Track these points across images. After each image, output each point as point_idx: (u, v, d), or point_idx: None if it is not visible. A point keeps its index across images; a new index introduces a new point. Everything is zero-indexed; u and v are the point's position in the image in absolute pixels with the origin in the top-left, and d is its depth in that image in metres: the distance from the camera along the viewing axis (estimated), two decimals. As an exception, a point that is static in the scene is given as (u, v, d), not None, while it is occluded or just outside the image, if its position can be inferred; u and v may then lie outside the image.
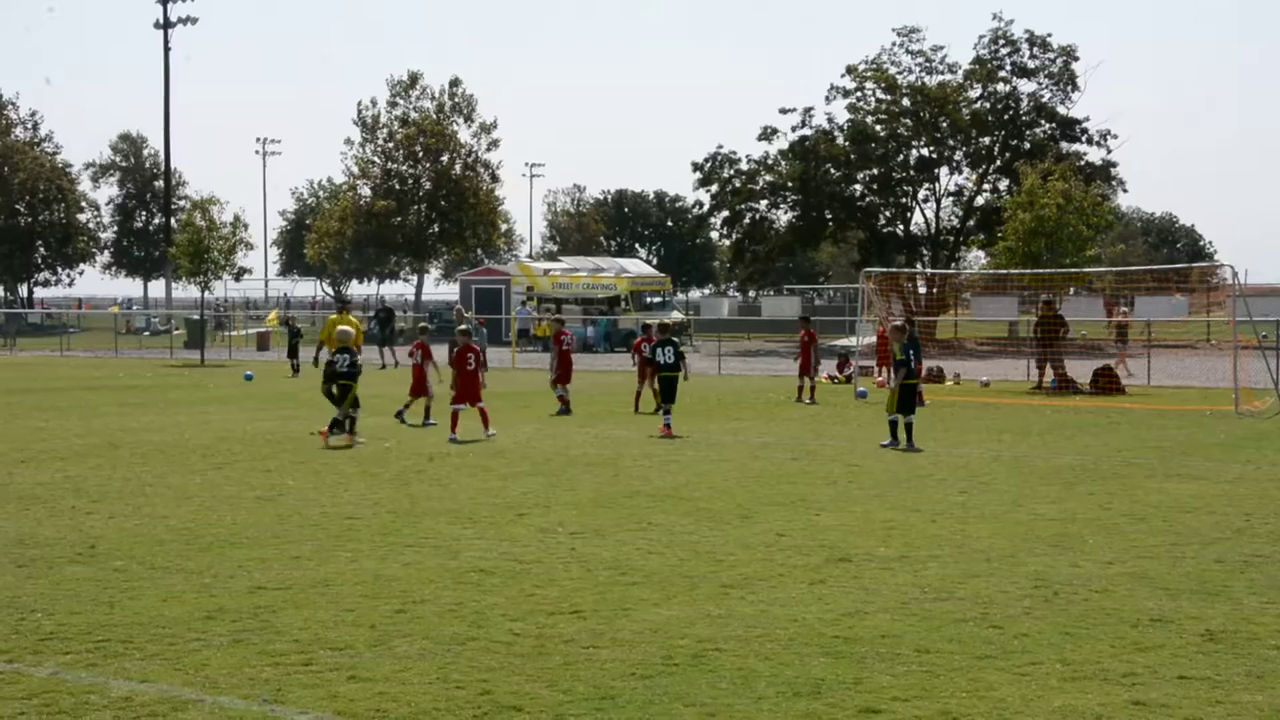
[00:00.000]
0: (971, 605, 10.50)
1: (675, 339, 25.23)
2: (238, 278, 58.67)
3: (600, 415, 27.15)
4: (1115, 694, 8.25)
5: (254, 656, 9.02)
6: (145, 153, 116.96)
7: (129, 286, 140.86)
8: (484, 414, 23.09)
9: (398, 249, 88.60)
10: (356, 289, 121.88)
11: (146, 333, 79.57)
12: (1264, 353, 32.94)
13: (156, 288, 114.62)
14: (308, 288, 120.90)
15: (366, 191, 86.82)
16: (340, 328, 24.25)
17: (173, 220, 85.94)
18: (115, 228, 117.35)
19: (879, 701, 8.08)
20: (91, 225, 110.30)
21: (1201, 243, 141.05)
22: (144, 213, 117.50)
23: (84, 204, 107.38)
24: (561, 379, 27.85)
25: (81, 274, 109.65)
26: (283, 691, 8.26)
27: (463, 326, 25.55)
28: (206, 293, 57.26)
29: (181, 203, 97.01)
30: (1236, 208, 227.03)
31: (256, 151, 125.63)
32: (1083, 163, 65.21)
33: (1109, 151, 68.86)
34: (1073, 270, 41.97)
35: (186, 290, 79.15)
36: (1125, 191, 75.10)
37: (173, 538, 13.30)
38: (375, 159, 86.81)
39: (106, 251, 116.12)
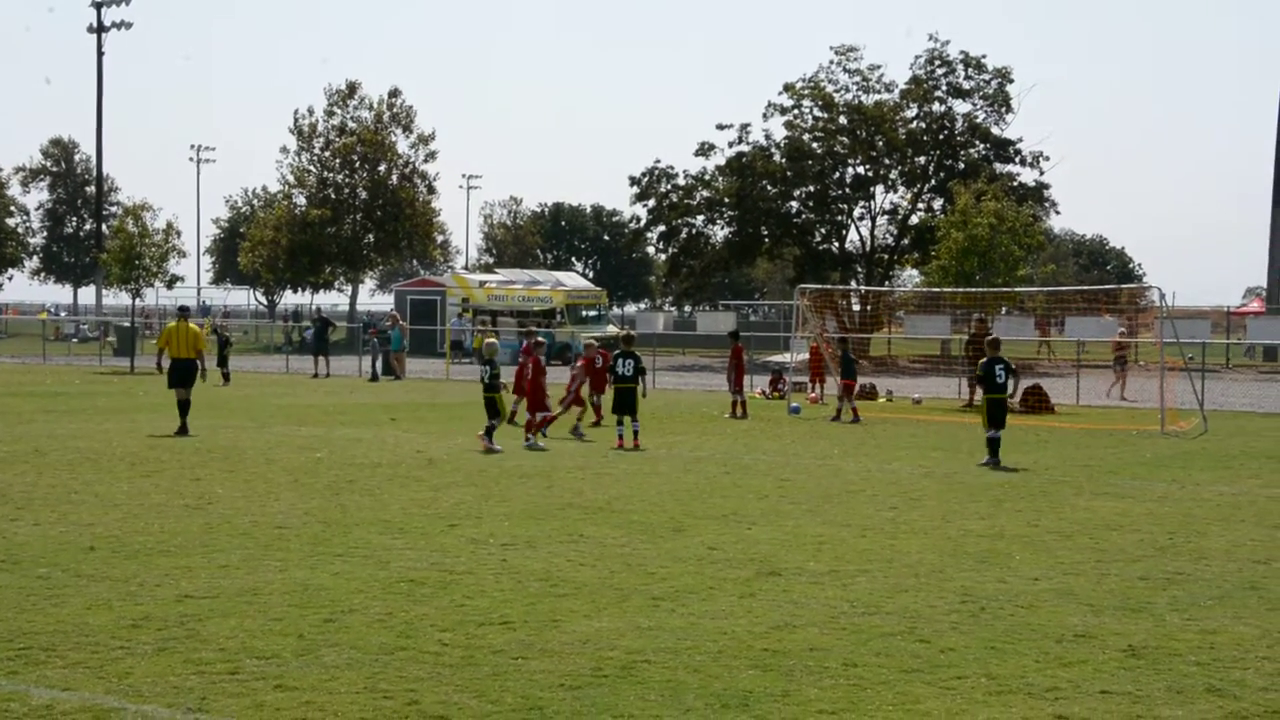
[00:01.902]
0: (899, 619, 10.58)
1: (636, 353, 25.07)
2: (170, 285, 58.04)
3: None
4: (1039, 708, 8.34)
5: (179, 665, 8.94)
6: (77, 158, 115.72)
7: (58, 293, 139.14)
8: (531, 423, 23.64)
9: (332, 259, 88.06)
10: (291, 298, 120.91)
11: (75, 339, 78.57)
12: (1190, 374, 33.44)
13: (86, 294, 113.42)
14: (241, 296, 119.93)
15: (302, 200, 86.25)
16: (488, 340, 24.95)
17: (104, 226, 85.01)
18: (45, 233, 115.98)
19: (806, 714, 8.13)
20: (20, 230, 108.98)
21: (1131, 265, 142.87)
22: (75, 218, 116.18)
23: (13, 209, 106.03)
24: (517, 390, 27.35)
25: (10, 279, 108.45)
26: (208, 700, 8.18)
27: (538, 339, 25.60)
28: (138, 300, 56.68)
29: (113, 209, 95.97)
30: (1165, 231, 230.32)
31: (190, 159, 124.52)
32: (1016, 184, 65.89)
33: (1041, 173, 69.69)
34: (1005, 290, 42.35)
35: (117, 297, 78.30)
36: (1058, 214, 75.82)
37: (99, 545, 13.14)
38: (311, 168, 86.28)
39: (35, 257, 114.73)
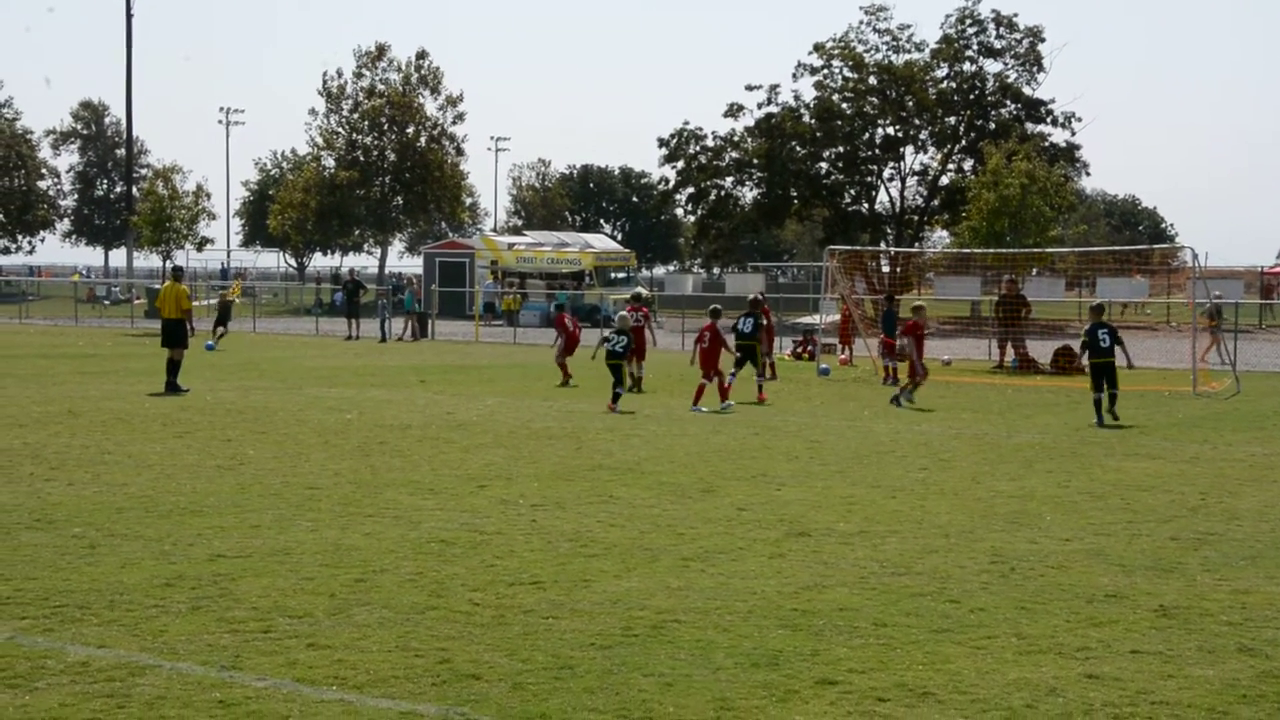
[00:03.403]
0: (929, 580, 10.58)
1: (757, 313, 26.43)
2: (200, 248, 58.31)
3: (563, 389, 27.15)
4: (1069, 667, 8.33)
5: (212, 623, 9.01)
6: (107, 120, 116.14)
7: (90, 255, 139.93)
8: (711, 389, 23.94)
9: (361, 221, 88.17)
10: (320, 261, 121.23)
11: (107, 301, 78.99)
12: (1222, 334, 33.22)
13: (118, 256, 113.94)
14: (270, 259, 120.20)
15: (330, 163, 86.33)
16: (621, 314, 26.12)
17: (134, 189, 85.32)
18: (76, 196, 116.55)
19: (836, 673, 8.14)
20: (52, 193, 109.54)
21: (1163, 225, 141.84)
22: (105, 181, 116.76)
23: (44, 171, 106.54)
24: (638, 355, 27.47)
25: (43, 241, 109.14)
26: (241, 658, 8.25)
27: (714, 306, 26.22)
28: (168, 262, 56.94)
29: (143, 171, 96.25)
30: (1199, 191, 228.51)
31: (220, 121, 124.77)
32: (1047, 144, 65.46)
33: (1073, 133, 69.20)
34: (1035, 250, 42.20)
35: (148, 259, 78.79)
36: (1089, 174, 75.47)
37: (132, 505, 13.24)
38: (340, 130, 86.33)
39: (67, 219, 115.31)
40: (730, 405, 23.55)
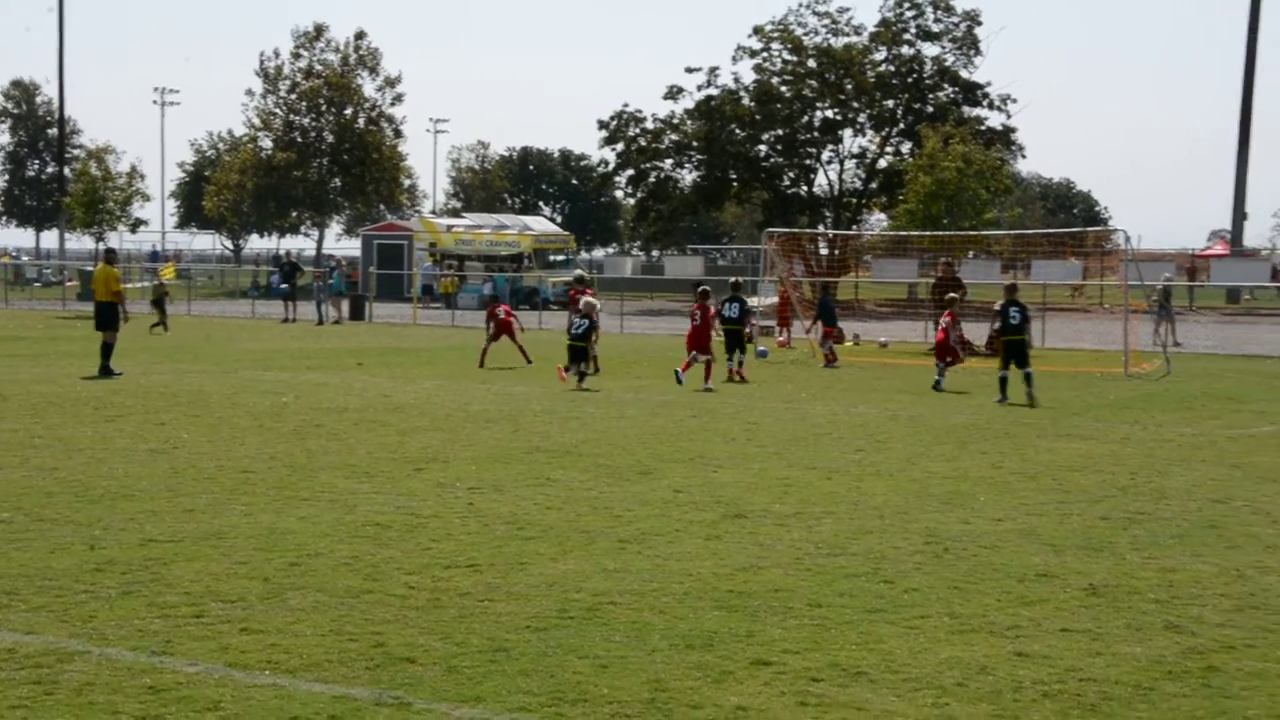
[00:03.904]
0: (864, 561, 10.65)
1: (742, 297, 27.39)
2: (134, 229, 57.62)
3: (500, 372, 27.10)
4: (1000, 646, 8.43)
5: (144, 608, 8.93)
6: (39, 100, 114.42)
7: (20, 236, 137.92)
8: (708, 367, 24.64)
9: (299, 203, 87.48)
10: (257, 243, 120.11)
11: (38, 284, 77.88)
12: (1165, 316, 33.59)
13: (49, 238, 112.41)
14: (206, 241, 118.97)
15: (267, 144, 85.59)
16: (586, 299, 26.05)
17: (67, 170, 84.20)
18: (7, 176, 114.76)
19: (770, 654, 8.19)
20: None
21: (1097, 208, 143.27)
22: (37, 161, 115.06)
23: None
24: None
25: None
26: (172, 643, 8.18)
27: (703, 288, 26.97)
28: (100, 244, 56.26)
29: (76, 152, 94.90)
30: (1133, 175, 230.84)
31: (154, 101, 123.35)
32: (983, 127, 65.87)
33: (1009, 116, 69.64)
34: (972, 233, 42.44)
35: (80, 241, 77.73)
36: (1024, 157, 76.07)
37: (62, 490, 13.09)
38: (277, 111, 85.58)
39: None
40: (683, 381, 24.20)
